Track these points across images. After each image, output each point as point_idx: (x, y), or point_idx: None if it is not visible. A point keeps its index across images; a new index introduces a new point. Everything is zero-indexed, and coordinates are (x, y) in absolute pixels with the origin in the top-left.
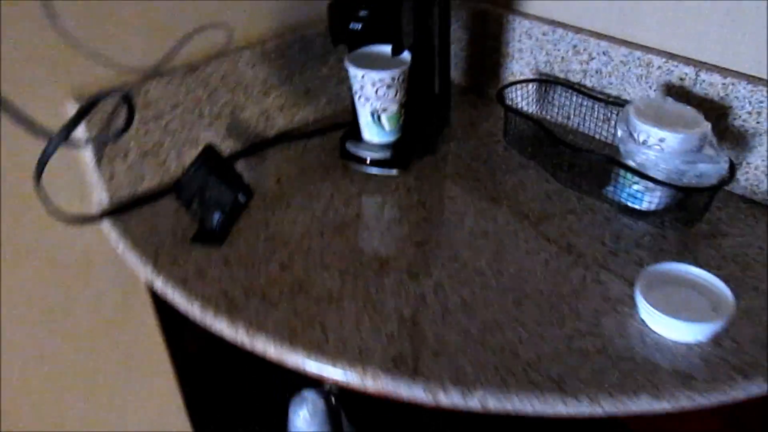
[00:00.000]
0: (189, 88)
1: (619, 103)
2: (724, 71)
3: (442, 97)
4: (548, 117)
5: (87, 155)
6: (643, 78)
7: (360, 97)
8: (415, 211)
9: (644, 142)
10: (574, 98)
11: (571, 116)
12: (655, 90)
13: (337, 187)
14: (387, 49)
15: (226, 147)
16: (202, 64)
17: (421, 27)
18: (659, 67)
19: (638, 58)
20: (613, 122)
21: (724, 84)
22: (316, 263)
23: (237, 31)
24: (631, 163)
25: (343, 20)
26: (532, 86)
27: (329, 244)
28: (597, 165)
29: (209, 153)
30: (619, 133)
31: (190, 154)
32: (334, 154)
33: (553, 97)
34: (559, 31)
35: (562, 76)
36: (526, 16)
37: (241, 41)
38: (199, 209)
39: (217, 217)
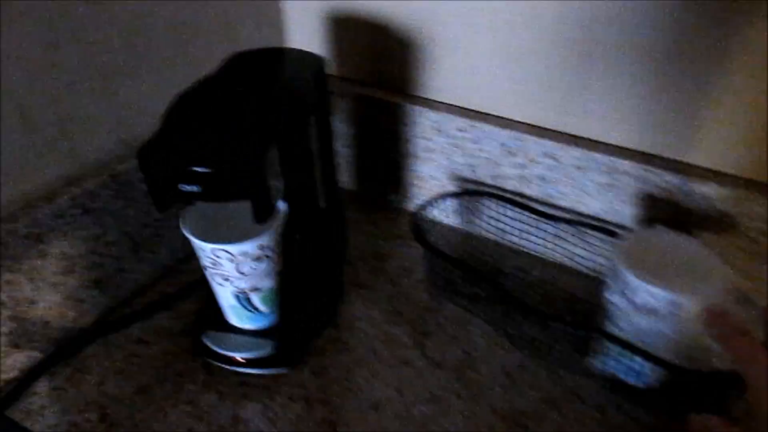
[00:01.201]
0: None
1: (573, 220)
2: (722, 177)
3: (331, 215)
4: (474, 231)
5: None
6: (607, 187)
7: (214, 275)
8: None
9: (649, 309)
10: (510, 211)
11: (507, 231)
12: (624, 201)
13: (200, 412)
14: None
15: (11, 367)
16: None
17: (296, 165)
18: (627, 173)
19: (598, 162)
20: (568, 240)
21: (724, 195)
22: None
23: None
24: (631, 335)
25: (167, 180)
26: (449, 198)
27: None
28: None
29: None
30: (609, 296)
31: None
32: (188, 343)
33: (479, 209)
34: (481, 125)
35: (489, 181)
36: (432, 105)
37: (7, 207)
38: None
39: None
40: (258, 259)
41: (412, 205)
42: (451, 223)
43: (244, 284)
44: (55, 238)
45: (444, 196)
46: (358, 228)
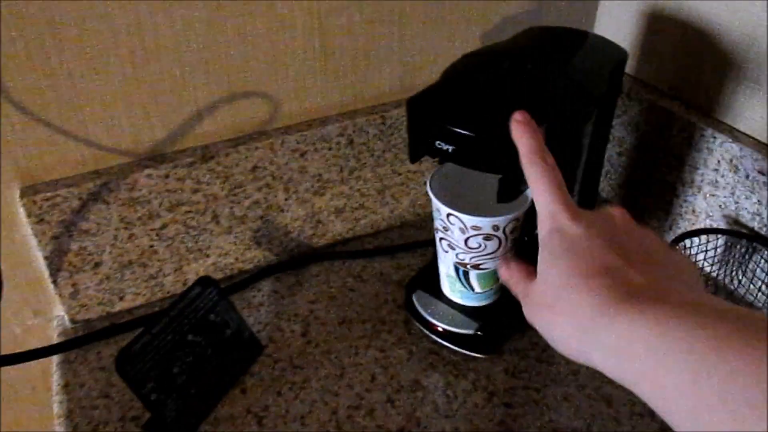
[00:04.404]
0: (199, 181)
1: None
2: None
3: None
4: (741, 290)
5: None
6: None
7: (442, 240)
8: None
9: None
10: None
11: None
12: None
13: (387, 363)
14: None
15: (249, 260)
16: (222, 150)
17: (560, 159)
18: None
19: None
20: None
21: None
22: None
23: (284, 106)
24: None
25: (426, 133)
26: (721, 240)
27: None
28: None
29: (197, 296)
30: None
31: (195, 268)
32: (399, 295)
33: (755, 266)
34: None
35: None
36: (736, 136)
37: (287, 119)
38: (157, 392)
39: (185, 404)
40: (488, 237)
41: (672, 238)
42: (710, 270)
43: (466, 258)
44: (318, 159)
45: (715, 231)
46: None
